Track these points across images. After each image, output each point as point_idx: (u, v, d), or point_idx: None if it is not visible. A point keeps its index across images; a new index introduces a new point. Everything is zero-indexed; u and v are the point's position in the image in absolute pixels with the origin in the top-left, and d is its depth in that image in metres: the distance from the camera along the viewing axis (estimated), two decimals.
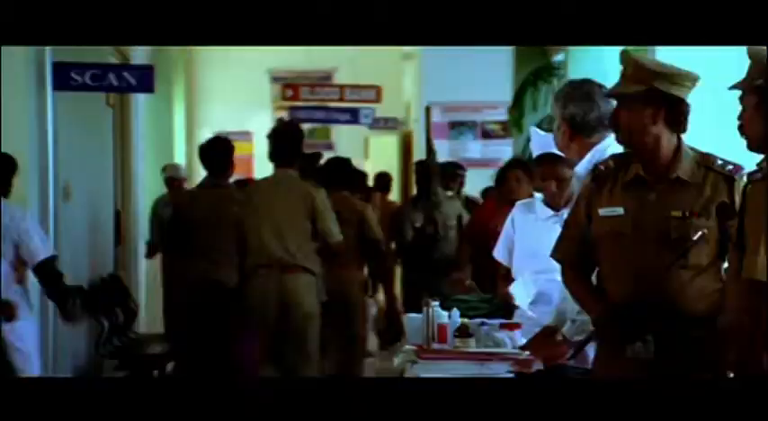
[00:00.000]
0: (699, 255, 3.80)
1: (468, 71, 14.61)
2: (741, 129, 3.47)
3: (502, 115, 14.92)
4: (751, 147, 3.45)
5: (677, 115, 3.84)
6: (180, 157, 14.22)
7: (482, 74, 14.50)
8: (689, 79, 3.86)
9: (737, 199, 3.69)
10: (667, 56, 6.34)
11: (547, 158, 5.03)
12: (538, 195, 5.29)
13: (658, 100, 3.80)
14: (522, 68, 11.91)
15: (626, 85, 3.85)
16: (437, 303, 5.44)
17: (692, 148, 3.91)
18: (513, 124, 11.61)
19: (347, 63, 16.04)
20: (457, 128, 15.58)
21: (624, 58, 3.88)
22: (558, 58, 10.97)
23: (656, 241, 3.83)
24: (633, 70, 3.83)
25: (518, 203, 5.42)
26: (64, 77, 8.06)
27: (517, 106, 11.37)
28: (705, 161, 3.86)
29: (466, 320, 5.22)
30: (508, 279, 5.30)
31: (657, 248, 3.82)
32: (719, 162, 3.85)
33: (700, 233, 3.77)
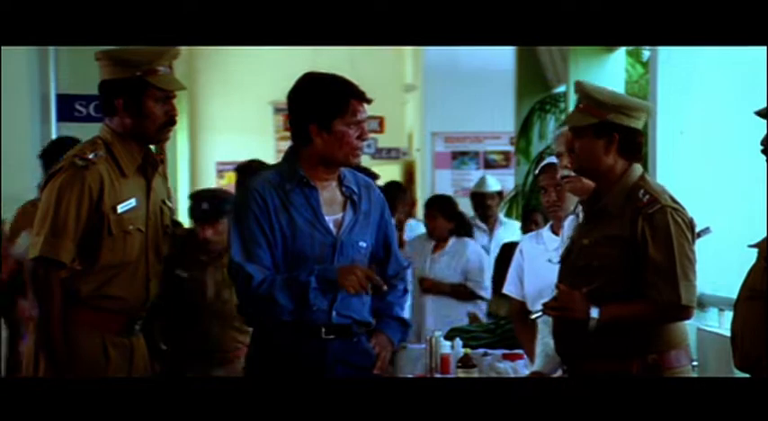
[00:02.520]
0: (603, 282, 3.80)
1: (470, 102, 14.65)
2: (765, 152, 3.48)
3: (504, 145, 14.96)
4: None
5: (631, 145, 3.86)
6: (183, 188, 14.25)
7: (484, 104, 14.54)
8: (643, 111, 3.88)
9: (646, 230, 3.72)
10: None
11: (547, 167, 5.08)
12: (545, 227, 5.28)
13: (611, 131, 3.82)
14: (524, 99, 11.97)
15: (579, 117, 3.87)
16: (440, 333, 5.45)
17: (644, 180, 3.88)
18: (520, 153, 11.66)
19: None
20: (459, 157, 15.60)
21: (578, 89, 3.91)
22: (560, 89, 11.03)
23: (572, 267, 3.90)
24: (586, 103, 3.85)
25: (525, 236, 5.40)
26: (68, 109, 8.07)
27: (525, 135, 11.43)
28: (634, 192, 3.83)
29: (469, 351, 5.22)
30: (524, 313, 5.24)
31: (572, 274, 3.89)
32: (641, 194, 3.81)
33: (598, 262, 3.79)
